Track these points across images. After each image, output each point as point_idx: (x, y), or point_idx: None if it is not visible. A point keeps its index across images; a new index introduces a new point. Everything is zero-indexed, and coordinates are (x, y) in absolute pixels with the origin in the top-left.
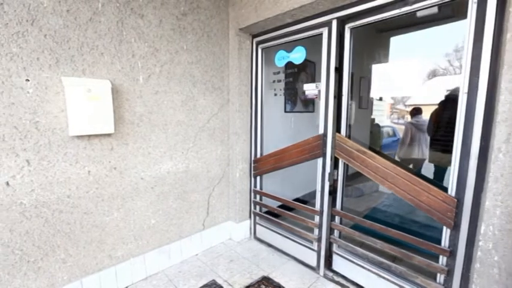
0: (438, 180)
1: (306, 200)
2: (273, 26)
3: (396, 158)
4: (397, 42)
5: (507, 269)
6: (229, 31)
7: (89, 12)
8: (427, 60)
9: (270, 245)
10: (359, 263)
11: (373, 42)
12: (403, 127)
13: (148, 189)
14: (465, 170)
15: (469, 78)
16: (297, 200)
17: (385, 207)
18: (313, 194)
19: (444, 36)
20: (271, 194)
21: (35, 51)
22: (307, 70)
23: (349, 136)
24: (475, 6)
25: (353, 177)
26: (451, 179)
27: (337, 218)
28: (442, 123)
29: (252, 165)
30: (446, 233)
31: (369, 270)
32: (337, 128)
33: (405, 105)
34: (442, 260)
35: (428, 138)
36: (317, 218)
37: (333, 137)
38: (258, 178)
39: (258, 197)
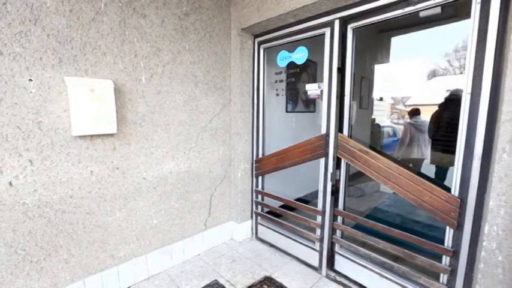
0: (439, 180)
1: (308, 199)
2: (275, 26)
3: None
4: (398, 43)
5: (511, 269)
6: (231, 31)
7: (92, 12)
8: (428, 61)
9: (271, 245)
10: (361, 263)
11: (374, 42)
12: (402, 127)
13: (150, 189)
14: (468, 170)
15: (472, 78)
16: (298, 200)
17: (386, 207)
18: (314, 194)
19: (446, 36)
20: (273, 194)
21: (37, 51)
22: (308, 70)
23: (350, 136)
24: (478, 6)
25: (354, 177)
26: (454, 179)
27: (339, 218)
28: (443, 123)
29: (254, 165)
30: (449, 233)
31: (371, 270)
32: (340, 128)
33: (405, 106)
34: (445, 260)
35: (427, 138)
36: (319, 218)
37: (335, 137)
38: (260, 178)
39: (259, 197)
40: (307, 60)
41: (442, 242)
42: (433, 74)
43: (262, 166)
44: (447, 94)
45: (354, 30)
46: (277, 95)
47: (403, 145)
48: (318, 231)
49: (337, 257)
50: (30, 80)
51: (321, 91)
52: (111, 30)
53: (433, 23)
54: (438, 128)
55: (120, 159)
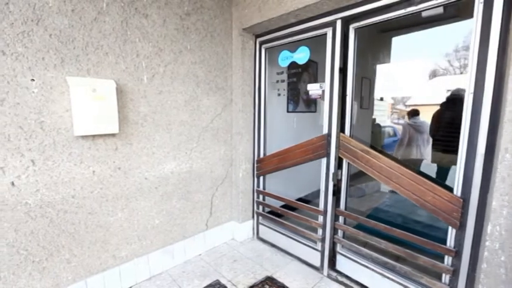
0: (440, 180)
1: (309, 199)
2: (276, 26)
3: None
4: (399, 43)
5: None
6: (233, 31)
7: (94, 12)
8: (430, 61)
9: (273, 245)
10: (363, 263)
11: (374, 42)
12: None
13: (152, 190)
14: (471, 170)
15: (475, 78)
16: (299, 199)
17: (387, 207)
18: (315, 194)
19: (447, 36)
20: (275, 194)
21: (40, 51)
22: (309, 70)
23: (352, 136)
24: (481, 6)
25: (354, 177)
26: (457, 179)
27: (340, 218)
28: (445, 123)
29: (255, 165)
30: (451, 233)
31: (373, 270)
32: (341, 128)
33: (405, 106)
34: (448, 260)
35: (426, 139)
36: (321, 218)
37: (337, 137)
38: (261, 178)
39: (261, 197)
40: (309, 60)
41: (443, 241)
42: (433, 74)
43: (264, 166)
44: (449, 94)
45: (356, 30)
46: (279, 95)
47: (402, 145)
48: (320, 231)
49: (338, 257)
50: (33, 79)
51: (323, 91)
52: (113, 30)
53: (434, 23)
54: (440, 128)
55: (122, 159)
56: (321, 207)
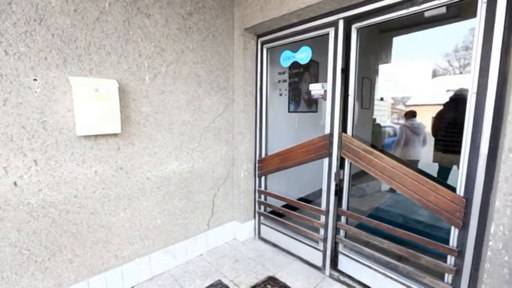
0: (442, 179)
1: (310, 199)
2: (278, 26)
3: None
4: (400, 43)
5: None
6: (234, 31)
7: (96, 12)
8: (433, 61)
9: (274, 245)
10: (365, 262)
11: (375, 42)
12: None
13: (154, 189)
14: (474, 170)
15: (478, 78)
16: (301, 199)
17: (388, 207)
18: (317, 194)
19: (448, 36)
20: (276, 194)
21: (42, 51)
22: (310, 70)
23: (353, 136)
24: (484, 6)
25: (355, 177)
26: (460, 179)
27: (342, 218)
28: (449, 123)
29: (257, 165)
30: (454, 233)
31: (375, 270)
32: (343, 128)
33: (405, 106)
34: (450, 259)
35: (422, 139)
36: (323, 218)
37: (339, 137)
38: (263, 178)
39: (262, 197)
40: (310, 60)
41: (444, 241)
42: (435, 74)
43: (265, 166)
44: (451, 94)
45: (358, 30)
46: (281, 95)
47: (398, 146)
48: (322, 231)
49: (340, 257)
50: (35, 79)
51: (325, 91)
52: (115, 29)
53: (435, 22)
54: (444, 128)
55: (124, 159)
56: (323, 207)
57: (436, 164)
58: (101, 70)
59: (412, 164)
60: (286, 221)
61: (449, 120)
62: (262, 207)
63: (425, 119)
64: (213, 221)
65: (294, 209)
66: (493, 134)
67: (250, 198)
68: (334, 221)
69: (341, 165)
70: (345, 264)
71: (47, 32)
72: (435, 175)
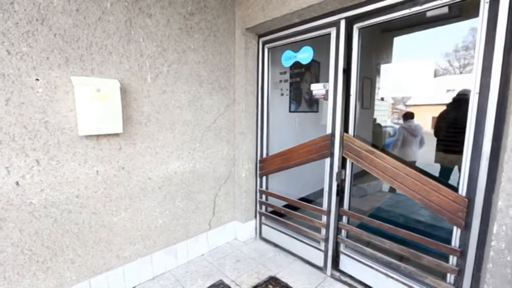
0: (443, 179)
1: (311, 199)
2: (279, 26)
3: None
4: (400, 42)
5: None
6: (236, 31)
7: (98, 12)
8: (435, 60)
9: (276, 245)
10: (367, 263)
11: (376, 42)
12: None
13: (155, 189)
14: (476, 170)
15: (480, 78)
16: (302, 199)
17: (388, 207)
18: (317, 193)
19: (449, 36)
20: (278, 194)
21: (44, 51)
22: (311, 70)
23: (355, 136)
24: (487, 6)
25: (355, 177)
26: (462, 179)
27: (344, 218)
28: (452, 123)
29: (258, 165)
30: (456, 233)
31: (377, 270)
32: (345, 128)
33: (405, 105)
34: (452, 260)
35: (419, 141)
36: (324, 218)
37: (341, 137)
38: (264, 178)
39: (263, 196)
40: (311, 60)
41: (445, 241)
42: (438, 74)
43: (267, 166)
44: (454, 94)
45: (360, 30)
46: (282, 94)
47: (396, 147)
48: (323, 231)
49: (342, 257)
50: (37, 79)
51: (326, 91)
52: (117, 29)
53: (436, 22)
54: (447, 128)
55: (126, 159)
56: (325, 207)
57: (434, 165)
58: (102, 70)
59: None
60: (287, 221)
61: (453, 121)
62: (264, 207)
63: (425, 119)
64: (214, 221)
65: (295, 209)
66: (495, 134)
67: (252, 198)
68: (336, 221)
69: (342, 165)
70: (347, 264)
71: (49, 31)
72: (438, 174)
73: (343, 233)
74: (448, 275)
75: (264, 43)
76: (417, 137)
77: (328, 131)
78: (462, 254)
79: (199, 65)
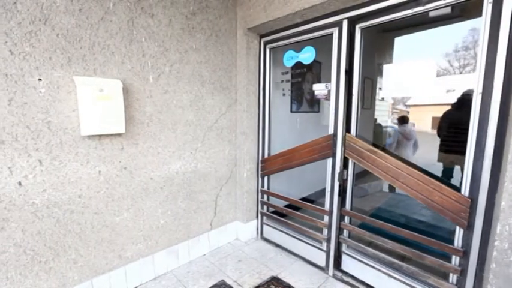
0: (446, 179)
1: (312, 199)
2: (281, 26)
3: None
4: (401, 42)
5: None
6: (238, 31)
7: (101, 12)
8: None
9: (277, 245)
10: (369, 263)
11: (376, 42)
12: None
13: (157, 190)
14: (479, 170)
15: (483, 78)
16: (303, 199)
17: (389, 207)
18: (319, 193)
19: (451, 36)
20: (279, 194)
21: (47, 51)
22: (313, 70)
23: (357, 136)
24: (490, 6)
25: (357, 177)
26: (465, 179)
27: (346, 218)
28: (456, 124)
29: (260, 165)
30: (459, 233)
31: (379, 270)
32: (347, 128)
33: (405, 106)
34: (455, 260)
35: (413, 144)
36: (326, 218)
37: (343, 137)
38: (266, 178)
39: (265, 197)
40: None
41: (447, 241)
42: (440, 74)
43: (268, 166)
44: (458, 94)
45: (362, 30)
46: (284, 95)
47: (390, 149)
48: (325, 231)
49: (344, 257)
50: (40, 79)
51: (328, 91)
52: (119, 29)
53: (437, 22)
54: (445, 128)
55: (128, 159)
56: (327, 207)
57: (436, 164)
58: (105, 70)
59: None
60: (289, 221)
61: (457, 121)
62: (265, 207)
63: (426, 119)
64: (216, 221)
65: (297, 209)
66: (499, 134)
67: (253, 198)
68: (338, 221)
69: (344, 165)
70: (349, 264)
71: (51, 31)
72: (437, 175)
73: (345, 233)
74: (451, 275)
75: (266, 43)
76: (411, 140)
77: (330, 131)
78: (465, 254)
79: (201, 65)
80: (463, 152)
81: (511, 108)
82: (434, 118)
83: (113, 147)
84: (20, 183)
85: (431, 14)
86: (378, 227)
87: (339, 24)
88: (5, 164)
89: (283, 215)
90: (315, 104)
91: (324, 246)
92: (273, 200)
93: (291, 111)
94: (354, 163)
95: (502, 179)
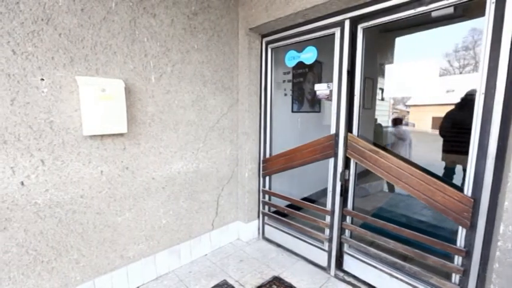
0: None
1: (313, 199)
2: (283, 26)
3: None
4: (401, 42)
5: None
6: (239, 31)
7: (103, 11)
8: (440, 60)
9: (279, 245)
10: (371, 263)
11: (377, 42)
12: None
13: (159, 189)
14: (482, 170)
15: (486, 78)
16: (305, 199)
17: (391, 206)
18: (320, 193)
19: (451, 36)
20: (281, 194)
21: (49, 50)
22: (314, 70)
23: (359, 136)
24: (493, 6)
25: (358, 177)
26: (467, 179)
27: (348, 218)
28: (458, 124)
29: (261, 165)
30: (462, 233)
31: (381, 270)
32: (349, 128)
33: (405, 106)
34: (458, 260)
35: (407, 144)
36: (328, 218)
37: (345, 137)
38: (267, 178)
39: (266, 197)
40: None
41: (449, 241)
42: (442, 74)
43: (270, 166)
44: (460, 94)
45: (364, 30)
46: (285, 95)
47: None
48: (327, 231)
49: (346, 257)
50: (42, 79)
51: (330, 91)
52: (121, 29)
53: (439, 22)
54: (449, 128)
55: (130, 159)
56: (329, 207)
57: (436, 164)
58: (107, 70)
59: None
60: (290, 221)
61: (459, 121)
62: (267, 207)
63: (426, 119)
64: (217, 221)
65: (298, 209)
66: (501, 134)
67: (255, 198)
68: (340, 221)
69: (346, 165)
70: (350, 264)
71: (54, 31)
72: (439, 175)
73: (347, 233)
74: (453, 275)
75: (268, 43)
76: (405, 140)
77: (332, 131)
78: (467, 254)
79: (202, 65)
80: (465, 152)
81: None
82: (434, 118)
83: (115, 147)
84: (22, 183)
85: (434, 14)
86: (380, 227)
87: (341, 24)
88: (7, 164)
89: (284, 215)
90: (316, 104)
91: (326, 246)
92: (275, 200)
93: (292, 111)
94: (356, 163)
95: (505, 179)
